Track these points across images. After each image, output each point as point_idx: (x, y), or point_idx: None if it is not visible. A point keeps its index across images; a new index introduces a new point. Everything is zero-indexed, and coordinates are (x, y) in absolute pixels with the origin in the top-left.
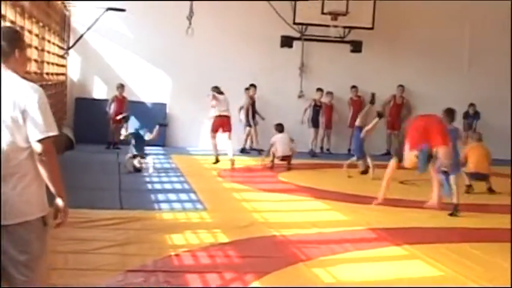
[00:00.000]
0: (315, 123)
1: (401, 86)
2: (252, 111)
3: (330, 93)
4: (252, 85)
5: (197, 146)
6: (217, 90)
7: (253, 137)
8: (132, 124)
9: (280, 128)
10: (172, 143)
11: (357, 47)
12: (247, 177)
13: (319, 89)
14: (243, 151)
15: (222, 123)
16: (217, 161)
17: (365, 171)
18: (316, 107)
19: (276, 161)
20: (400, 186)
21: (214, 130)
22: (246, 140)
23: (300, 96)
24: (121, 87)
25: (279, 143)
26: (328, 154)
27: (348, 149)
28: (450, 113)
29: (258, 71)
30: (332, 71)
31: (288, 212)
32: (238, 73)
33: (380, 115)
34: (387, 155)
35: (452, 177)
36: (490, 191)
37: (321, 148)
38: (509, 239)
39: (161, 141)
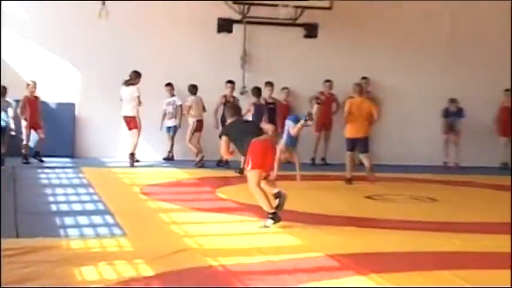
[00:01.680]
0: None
1: (365, 78)
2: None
3: (285, 88)
4: (229, 81)
5: (115, 157)
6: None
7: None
8: None
9: (194, 89)
10: (82, 153)
11: (311, 31)
12: (177, 194)
13: (269, 84)
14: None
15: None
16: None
17: None
18: (269, 106)
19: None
20: (367, 201)
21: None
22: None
23: (242, 93)
24: (33, 85)
25: (194, 106)
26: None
27: (312, 158)
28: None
29: (189, 63)
30: (281, 61)
31: (228, 235)
32: (166, 65)
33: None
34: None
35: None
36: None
37: None
38: (510, 263)
39: (68, 151)
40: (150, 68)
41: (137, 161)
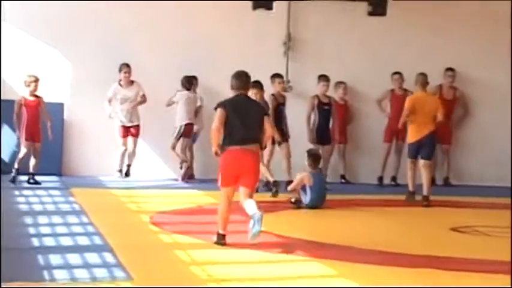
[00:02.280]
0: (323, 135)
1: (450, 69)
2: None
3: (340, 83)
4: (277, 75)
5: (116, 174)
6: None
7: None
8: None
9: (187, 83)
10: (73, 168)
11: (378, 7)
12: (198, 225)
13: (324, 78)
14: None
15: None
16: None
17: None
18: (323, 108)
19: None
20: (452, 235)
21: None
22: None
23: (286, 90)
24: (34, 81)
25: (182, 104)
26: (343, 185)
27: (379, 177)
28: None
29: (215, 50)
30: (337, 48)
31: (266, 280)
32: (183, 55)
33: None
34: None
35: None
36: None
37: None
38: None
39: (54, 166)
40: (163, 59)
41: (126, 174)
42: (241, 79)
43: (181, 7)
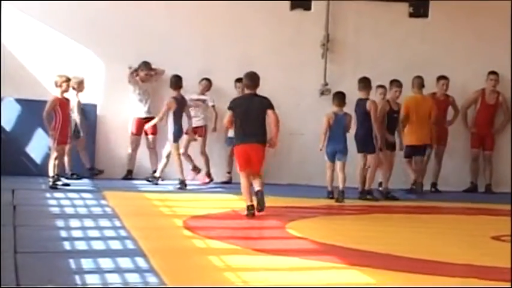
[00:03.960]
0: (391, 142)
1: (494, 73)
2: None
3: (381, 87)
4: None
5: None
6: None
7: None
8: None
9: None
10: (106, 171)
11: (420, 8)
12: (233, 230)
13: (395, 82)
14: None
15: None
16: None
17: None
18: (393, 115)
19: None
20: (494, 244)
21: None
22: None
23: (323, 93)
24: (66, 81)
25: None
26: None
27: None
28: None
29: (251, 52)
30: (377, 50)
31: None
32: (218, 56)
33: None
34: (471, 191)
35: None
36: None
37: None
38: None
39: (88, 170)
40: (197, 60)
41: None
42: (251, 79)
43: (217, 7)
